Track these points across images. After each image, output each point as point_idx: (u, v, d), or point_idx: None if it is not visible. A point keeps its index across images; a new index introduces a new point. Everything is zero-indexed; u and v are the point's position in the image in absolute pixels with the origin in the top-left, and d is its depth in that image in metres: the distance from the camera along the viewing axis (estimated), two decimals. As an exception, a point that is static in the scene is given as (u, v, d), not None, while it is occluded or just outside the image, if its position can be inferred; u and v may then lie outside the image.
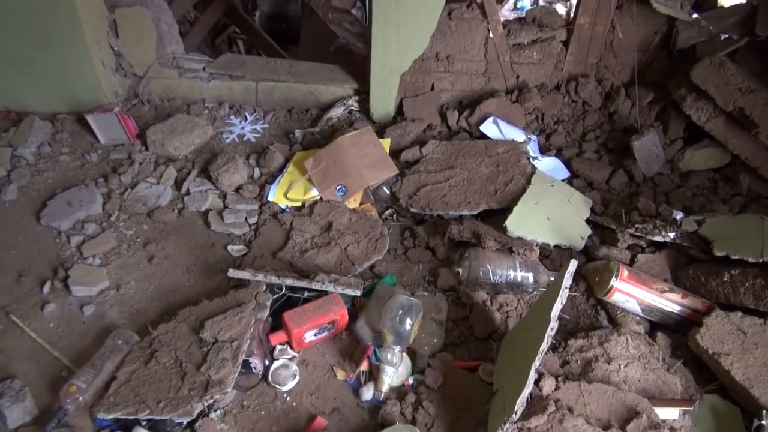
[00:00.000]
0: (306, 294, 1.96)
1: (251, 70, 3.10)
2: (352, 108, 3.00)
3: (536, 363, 1.47)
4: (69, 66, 2.90)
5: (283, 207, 2.43)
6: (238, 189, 2.52)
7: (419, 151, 2.56)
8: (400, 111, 2.89)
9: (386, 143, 2.54)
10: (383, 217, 2.42)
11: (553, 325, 1.49)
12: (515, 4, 6.01)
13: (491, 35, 2.68)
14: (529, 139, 2.59)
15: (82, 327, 2.00)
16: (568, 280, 1.54)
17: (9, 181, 2.58)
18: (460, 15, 2.62)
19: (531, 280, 2.00)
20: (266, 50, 7.06)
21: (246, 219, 2.39)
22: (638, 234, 2.04)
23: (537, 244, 2.06)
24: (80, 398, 1.68)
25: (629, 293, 1.84)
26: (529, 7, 5.96)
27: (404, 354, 1.81)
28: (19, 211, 2.47)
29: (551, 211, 2.19)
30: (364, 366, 1.81)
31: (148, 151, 2.74)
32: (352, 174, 2.39)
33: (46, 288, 2.10)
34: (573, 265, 1.57)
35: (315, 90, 3.05)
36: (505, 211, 2.21)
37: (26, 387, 1.77)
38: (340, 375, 1.84)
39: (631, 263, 2.02)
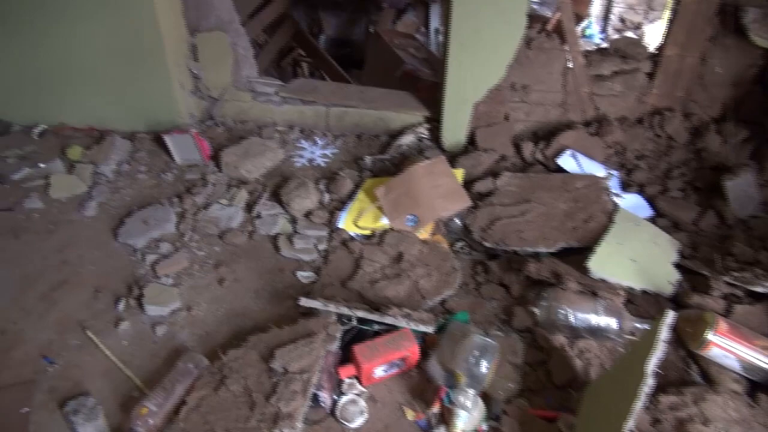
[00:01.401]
0: (376, 327, 1.91)
1: (323, 95, 3.12)
2: (422, 136, 2.97)
3: (630, 423, 1.35)
4: (150, 87, 3.00)
5: (353, 234, 2.40)
6: (307, 214, 2.51)
7: (493, 182, 2.49)
8: (471, 140, 2.83)
9: (459, 174, 2.49)
10: (454, 249, 2.35)
11: (650, 382, 1.37)
12: (583, 33, 5.89)
13: (571, 65, 2.60)
14: (610, 174, 2.47)
15: (153, 347, 2.02)
16: (665, 333, 1.42)
17: (90, 197, 2.67)
18: (539, 44, 2.56)
19: (615, 326, 1.88)
20: (330, 73, 7.19)
21: (315, 245, 2.37)
22: (735, 283, 1.89)
23: (622, 289, 1.94)
24: (151, 421, 1.68)
25: (728, 349, 1.69)
26: (597, 36, 5.82)
27: (478, 398, 1.72)
28: (98, 226, 2.54)
29: (636, 253, 2.06)
30: (435, 407, 1.74)
31: (221, 173, 2.78)
32: (424, 204, 2.34)
33: (121, 305, 2.14)
34: (671, 316, 1.46)
35: (385, 117, 3.04)
36: (585, 250, 2.10)
37: (99, 405, 1.78)
38: (410, 415, 1.76)
39: (727, 314, 1.87)
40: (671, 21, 2.47)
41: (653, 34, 5.03)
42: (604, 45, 2.68)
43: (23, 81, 3.06)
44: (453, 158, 2.82)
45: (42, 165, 2.88)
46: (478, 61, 2.57)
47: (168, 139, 2.85)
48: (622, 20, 5.90)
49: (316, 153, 2.96)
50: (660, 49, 2.57)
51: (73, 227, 2.54)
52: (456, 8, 2.44)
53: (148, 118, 3.13)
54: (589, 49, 2.70)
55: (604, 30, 6.24)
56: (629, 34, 5.24)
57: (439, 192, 2.36)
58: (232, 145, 2.89)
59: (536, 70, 2.63)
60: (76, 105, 3.14)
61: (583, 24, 5.76)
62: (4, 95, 3.15)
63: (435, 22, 7.68)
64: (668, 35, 2.50)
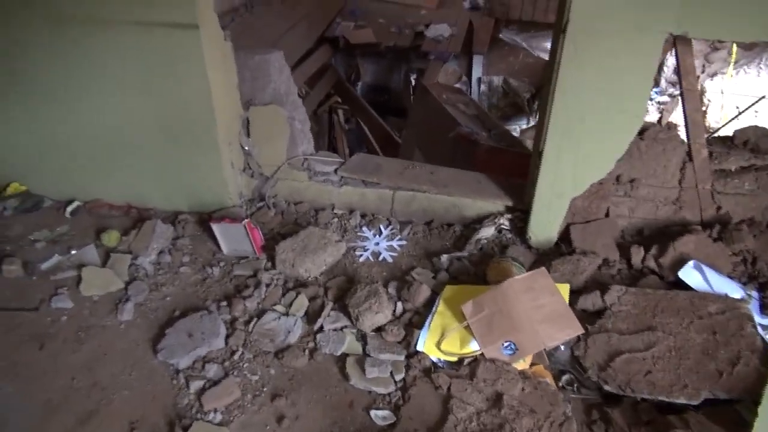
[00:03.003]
0: None
1: (387, 175, 2.77)
2: (502, 227, 2.59)
3: None
4: (196, 164, 2.69)
5: (436, 360, 2.01)
6: (379, 329, 2.13)
7: (601, 298, 2.09)
8: (564, 238, 2.44)
9: (564, 290, 2.09)
10: (560, 384, 1.93)
11: None
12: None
13: (692, 159, 2.21)
14: (749, 296, 2.05)
15: None
16: None
17: (126, 296, 2.33)
18: (654, 135, 2.18)
19: None
20: (368, 122, 6.90)
21: (391, 373, 1.98)
22: None
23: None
24: None
25: None
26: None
27: None
28: (135, 335, 2.19)
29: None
30: None
31: (275, 270, 2.42)
32: (524, 329, 1.94)
33: (161, 454, 1.76)
34: None
35: (459, 203, 2.67)
36: (737, 402, 1.67)
37: None
38: None
39: None
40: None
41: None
42: (728, 134, 2.29)
43: (58, 152, 2.78)
44: (542, 257, 2.43)
45: (74, 251, 2.56)
46: (583, 152, 2.20)
47: (216, 229, 2.51)
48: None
49: (382, 245, 2.59)
50: (799, 142, 2.18)
51: (106, 335, 2.19)
52: (559, 92, 2.09)
53: (192, 197, 2.81)
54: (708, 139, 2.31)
55: (657, 84, 5.86)
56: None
57: (542, 314, 1.96)
58: (287, 235, 2.54)
59: (648, 162, 2.24)
60: (114, 180, 2.84)
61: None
62: (36, 166, 2.87)
63: (477, 72, 7.40)
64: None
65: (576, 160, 2.22)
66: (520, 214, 2.57)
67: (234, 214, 2.71)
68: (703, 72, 5.35)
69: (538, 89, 7.06)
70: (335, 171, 2.83)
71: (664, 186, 2.28)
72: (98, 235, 2.64)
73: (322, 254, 2.42)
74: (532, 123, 6.95)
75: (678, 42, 1.95)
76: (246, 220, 2.45)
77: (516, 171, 3.78)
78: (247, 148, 2.78)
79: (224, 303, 2.28)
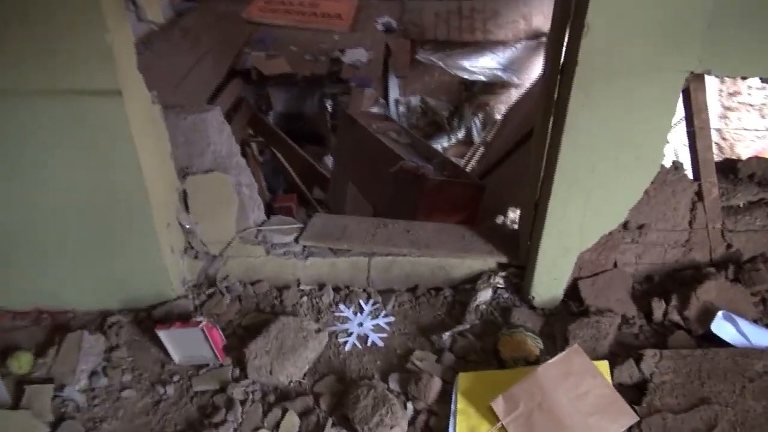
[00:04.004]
0: None
1: (358, 239, 2.40)
2: (497, 286, 2.30)
3: None
4: (128, 253, 2.19)
5: (471, 477, 1.67)
6: (394, 444, 1.75)
7: (637, 367, 1.85)
8: (571, 295, 2.20)
9: (603, 368, 1.82)
10: (618, 485, 1.66)
11: None
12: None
13: (701, 199, 2.04)
14: (790, 346, 1.90)
15: None
16: None
17: (55, 445, 1.78)
18: (663, 178, 1.98)
19: None
20: (286, 153, 6.49)
21: (422, 505, 1.61)
22: None
23: None
24: None
25: None
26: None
27: None
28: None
29: None
30: None
31: (248, 379, 1.97)
32: (572, 425, 1.64)
33: None
34: None
35: (445, 264, 2.35)
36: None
37: None
38: None
39: None
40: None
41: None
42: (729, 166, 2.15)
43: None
44: (549, 320, 2.18)
45: (-30, 392, 1.96)
46: (593, 204, 1.96)
47: (165, 337, 2.02)
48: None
49: (366, 325, 2.21)
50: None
51: None
52: (567, 141, 1.83)
53: (123, 291, 2.29)
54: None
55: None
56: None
57: (588, 404, 1.68)
58: (250, 329, 2.12)
59: (658, 207, 2.05)
60: (18, 279, 2.25)
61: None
62: None
63: (395, 93, 7.22)
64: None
65: (585, 213, 1.98)
66: (518, 272, 2.30)
67: (180, 310, 2.22)
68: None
69: (456, 106, 6.98)
70: (296, 240, 2.41)
71: (674, 229, 2.10)
72: (2, 360, 2.05)
73: (302, 351, 2.00)
74: (453, 141, 6.85)
75: (691, 78, 1.76)
76: (203, 323, 1.98)
77: (466, 204, 3.56)
78: (187, 225, 2.29)
79: (190, 436, 1.80)
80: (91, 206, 2.06)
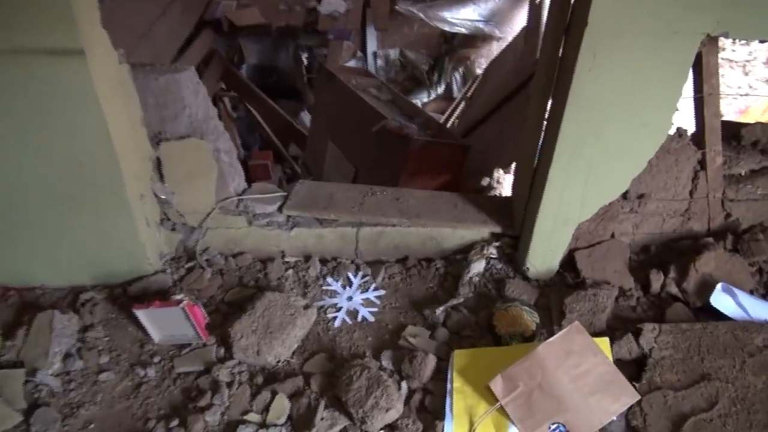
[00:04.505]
0: None
1: (345, 208, 2.28)
2: (490, 257, 2.22)
3: None
4: (100, 226, 2.05)
5: (470, 458, 1.62)
6: (391, 426, 1.69)
7: (635, 342, 1.81)
8: (568, 266, 2.14)
9: (604, 345, 1.77)
10: (618, 463, 1.64)
11: None
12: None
13: (704, 168, 1.97)
14: (789, 318, 1.87)
15: None
16: None
17: (29, 435, 1.67)
18: (666, 146, 1.89)
19: None
20: (260, 109, 6.29)
21: (421, 490, 1.57)
22: None
23: None
24: None
25: None
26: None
27: None
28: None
29: None
30: None
31: (234, 360, 1.87)
32: (573, 406, 1.60)
33: None
34: None
35: (436, 235, 2.26)
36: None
37: None
38: None
39: None
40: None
41: None
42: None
43: None
44: (544, 291, 2.12)
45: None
46: (595, 173, 1.86)
47: (143, 317, 1.90)
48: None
49: (356, 299, 2.12)
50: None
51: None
52: (572, 106, 1.71)
53: (96, 266, 2.15)
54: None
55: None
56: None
57: (589, 383, 1.63)
58: (234, 304, 2.02)
59: (659, 176, 1.97)
60: (-20, 255, 2.10)
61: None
62: None
63: (373, 46, 6.98)
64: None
65: (586, 182, 1.89)
66: (512, 241, 2.22)
67: (159, 286, 2.10)
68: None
69: (436, 60, 6.76)
70: (279, 209, 2.28)
71: (675, 199, 2.03)
72: (-32, 342, 1.92)
73: (290, 330, 1.91)
74: (433, 96, 6.68)
75: (705, 41, 1.65)
76: (185, 302, 1.86)
77: (451, 165, 3.46)
78: (162, 196, 2.14)
79: (175, 421, 1.71)
80: (57, 177, 1.89)
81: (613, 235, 2.11)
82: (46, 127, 1.77)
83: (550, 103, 1.88)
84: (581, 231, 2.06)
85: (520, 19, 5.79)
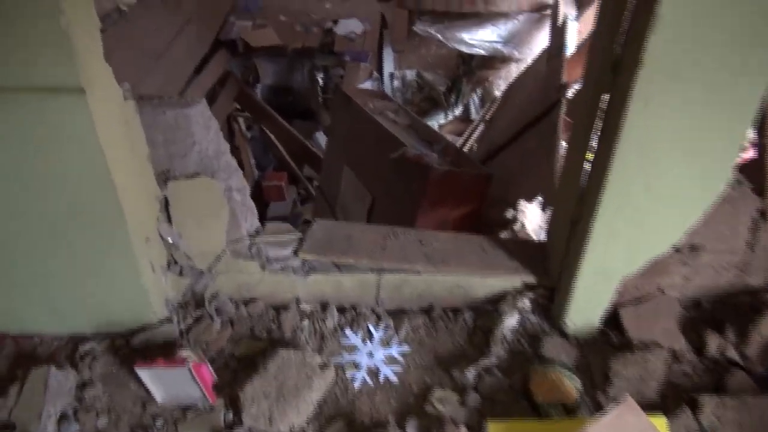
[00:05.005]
0: None
1: (365, 252, 2.11)
2: (524, 309, 2.04)
3: None
4: (102, 272, 1.88)
5: None
6: None
7: (694, 419, 1.61)
8: (610, 323, 1.94)
9: (660, 425, 1.57)
10: None
11: None
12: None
13: (765, 218, 1.78)
14: None
15: None
16: None
17: None
18: (724, 194, 1.71)
19: None
20: (274, 129, 6.19)
21: None
22: None
23: None
24: None
25: None
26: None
27: None
28: None
29: None
30: None
31: (243, 426, 1.70)
32: (627, 497, 1.40)
33: None
34: None
35: (464, 283, 2.08)
36: None
37: None
38: None
39: None
40: None
41: None
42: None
43: None
44: (584, 352, 1.92)
45: None
46: (645, 225, 1.68)
47: (145, 376, 1.73)
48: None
49: (377, 356, 1.94)
50: None
51: None
52: (620, 153, 1.54)
53: (97, 314, 1.99)
54: None
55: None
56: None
57: (645, 470, 1.43)
58: (244, 360, 1.85)
59: (715, 226, 1.78)
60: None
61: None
62: None
63: (389, 67, 6.86)
64: None
65: (634, 234, 1.70)
66: (547, 293, 2.03)
67: (164, 338, 1.94)
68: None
69: (454, 81, 6.62)
70: (295, 253, 2.12)
71: (732, 251, 1.84)
72: (-46, 400, 1.76)
73: (306, 393, 1.73)
74: (450, 117, 6.53)
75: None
76: (191, 361, 1.69)
77: (474, 195, 3.29)
78: (169, 238, 1.99)
79: (178, 500, 1.54)
80: (57, 220, 1.74)
81: (661, 290, 1.92)
82: (44, 168, 1.62)
83: (594, 150, 1.71)
84: (625, 285, 1.87)
85: (540, 41, 5.64)
